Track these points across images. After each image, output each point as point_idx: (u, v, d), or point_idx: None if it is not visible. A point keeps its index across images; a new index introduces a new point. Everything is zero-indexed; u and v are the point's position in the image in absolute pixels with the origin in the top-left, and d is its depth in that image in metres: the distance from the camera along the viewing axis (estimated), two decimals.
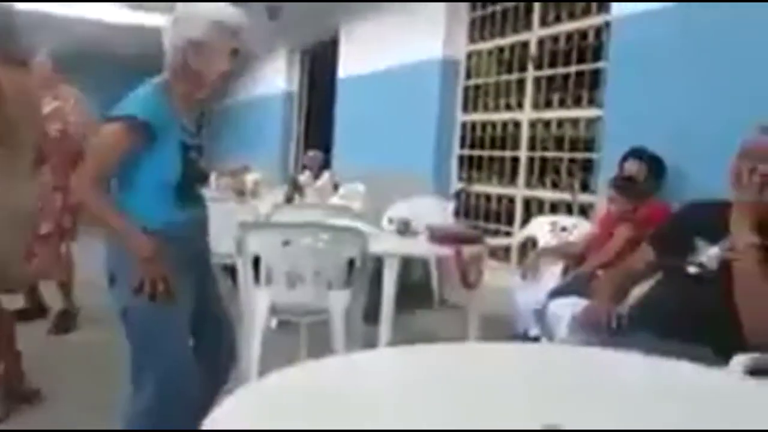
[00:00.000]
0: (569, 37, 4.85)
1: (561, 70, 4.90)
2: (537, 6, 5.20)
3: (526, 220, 4.97)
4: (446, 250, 3.59)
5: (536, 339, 3.25)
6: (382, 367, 1.49)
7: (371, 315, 3.42)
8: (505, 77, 5.55)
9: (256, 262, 3.04)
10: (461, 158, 6.02)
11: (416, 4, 6.21)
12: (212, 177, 6.06)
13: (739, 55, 3.31)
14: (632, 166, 3.55)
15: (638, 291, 2.37)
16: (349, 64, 7.75)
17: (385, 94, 6.81)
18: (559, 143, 4.93)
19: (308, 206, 5.46)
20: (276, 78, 10.32)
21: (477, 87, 5.90)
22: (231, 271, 3.56)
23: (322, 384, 1.27)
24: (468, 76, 6.00)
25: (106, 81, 7.53)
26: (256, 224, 3.82)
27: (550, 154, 5.02)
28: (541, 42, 5.15)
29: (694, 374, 1.45)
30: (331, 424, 1.07)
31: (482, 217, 5.74)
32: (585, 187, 4.65)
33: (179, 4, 2.10)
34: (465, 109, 5.99)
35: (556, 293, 3.09)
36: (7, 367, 2.92)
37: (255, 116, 11.24)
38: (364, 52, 7.35)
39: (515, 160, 5.38)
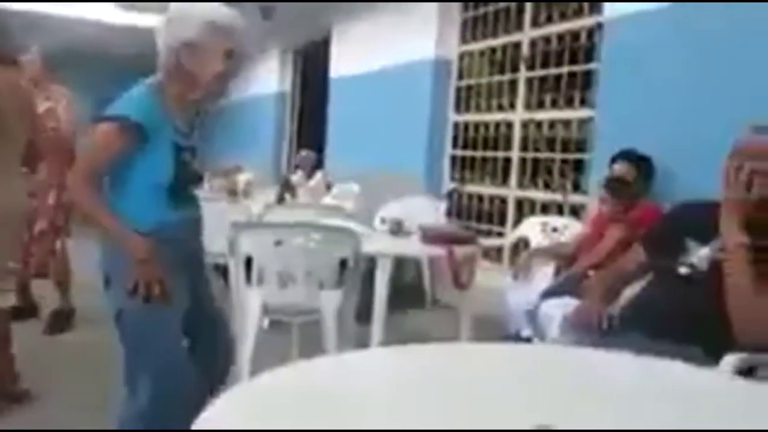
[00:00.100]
0: (561, 38, 4.86)
1: (553, 71, 4.91)
2: (529, 7, 5.21)
3: (518, 221, 4.98)
4: (438, 251, 3.58)
5: (528, 339, 3.26)
6: (374, 367, 1.49)
7: (363, 315, 3.42)
8: (497, 78, 5.56)
9: (248, 262, 3.03)
10: (453, 158, 6.02)
11: (408, 5, 6.21)
12: (205, 177, 6.04)
13: (731, 56, 3.32)
14: (622, 168, 3.56)
15: (629, 291, 2.39)
16: (342, 64, 7.74)
17: (377, 95, 6.81)
18: (551, 144, 4.94)
19: (300, 206, 5.45)
20: (269, 78, 10.29)
21: (469, 87, 5.90)
22: (223, 270, 3.56)
23: (314, 384, 1.27)
24: (460, 76, 6.00)
25: (99, 81, 7.51)
26: (248, 224, 3.81)
27: (542, 155, 5.03)
28: (533, 43, 5.16)
29: (685, 374, 1.46)
30: (322, 424, 1.07)
31: (474, 217, 5.74)
32: (576, 188, 4.66)
33: (172, 5, 2.09)
34: (457, 109, 6.00)
35: (548, 294, 3.09)
36: (1, 367, 2.91)
37: (248, 116, 11.20)
38: (357, 53, 7.34)
39: (507, 161, 5.38)
